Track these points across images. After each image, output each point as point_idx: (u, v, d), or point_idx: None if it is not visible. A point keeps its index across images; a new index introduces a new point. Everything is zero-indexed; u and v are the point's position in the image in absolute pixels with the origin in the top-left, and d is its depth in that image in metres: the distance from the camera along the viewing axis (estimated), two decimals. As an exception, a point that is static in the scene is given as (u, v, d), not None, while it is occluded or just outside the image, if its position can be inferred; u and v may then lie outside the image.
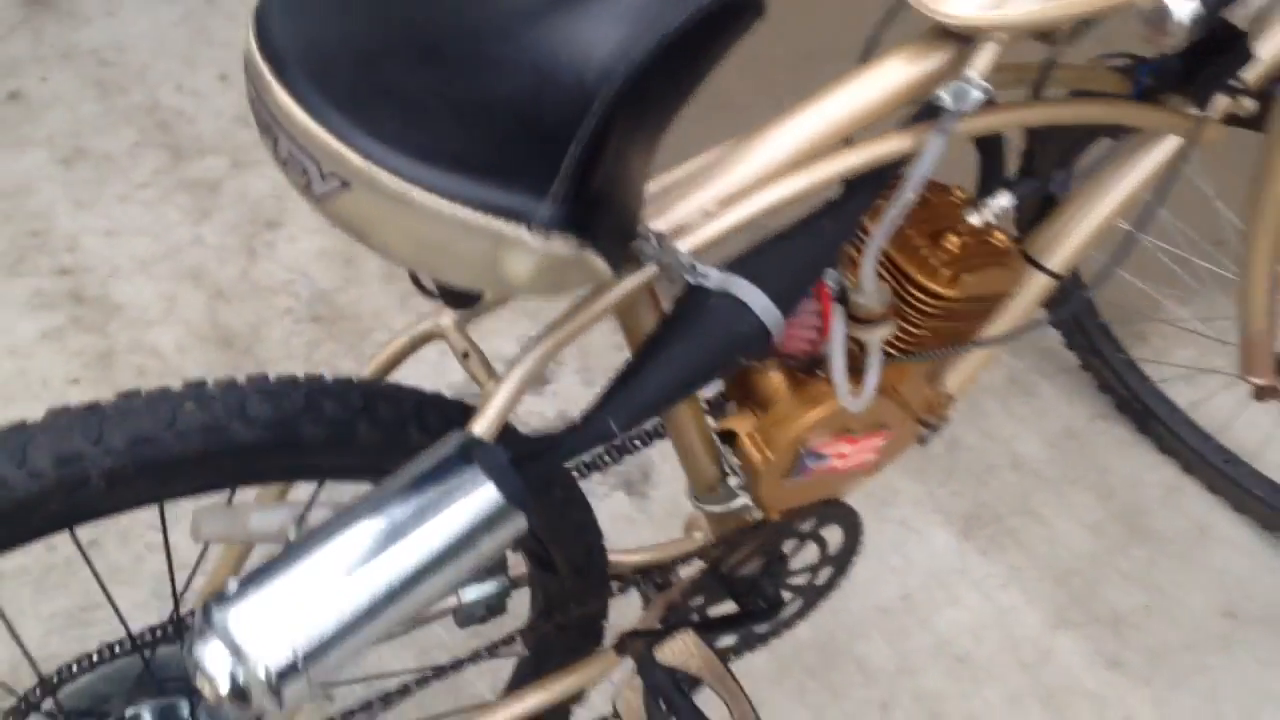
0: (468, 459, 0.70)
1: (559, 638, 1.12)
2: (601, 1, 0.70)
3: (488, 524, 0.70)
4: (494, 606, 1.05)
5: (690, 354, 0.78)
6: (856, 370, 0.95)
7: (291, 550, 0.66)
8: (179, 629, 0.91)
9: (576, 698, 1.18)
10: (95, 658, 0.91)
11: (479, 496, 0.69)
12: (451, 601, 1.02)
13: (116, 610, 0.87)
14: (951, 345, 1.01)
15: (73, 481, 0.72)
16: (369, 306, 1.72)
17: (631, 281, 0.79)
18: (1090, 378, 1.79)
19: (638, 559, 1.15)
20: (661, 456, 1.62)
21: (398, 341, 0.90)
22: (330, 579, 0.66)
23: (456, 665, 1.06)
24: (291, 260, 1.76)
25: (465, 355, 0.88)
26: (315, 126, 0.62)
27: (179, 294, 1.70)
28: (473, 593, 1.03)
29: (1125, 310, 1.79)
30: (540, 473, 0.73)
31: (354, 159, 0.62)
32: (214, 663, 0.63)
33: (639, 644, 1.04)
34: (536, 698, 1.09)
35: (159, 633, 0.91)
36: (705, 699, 1.03)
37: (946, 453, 1.73)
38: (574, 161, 0.64)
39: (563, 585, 1.05)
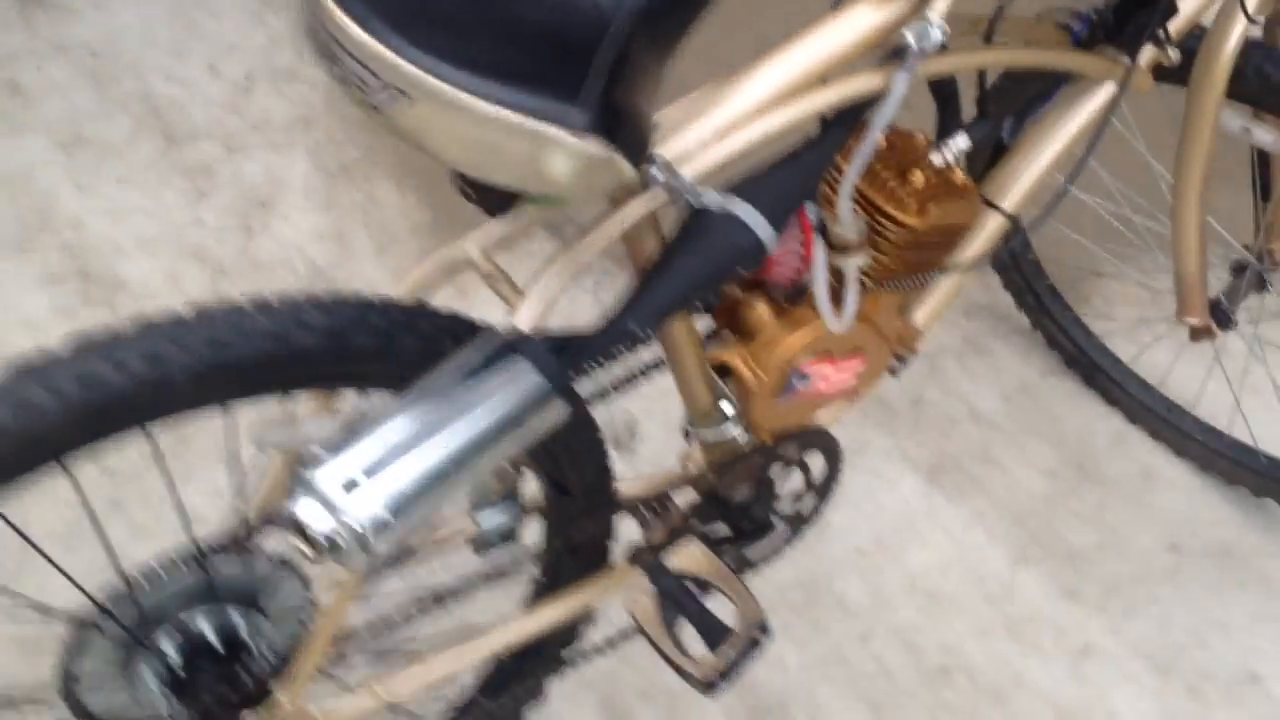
0: (514, 350, 0.80)
1: (571, 559, 1.22)
2: None
3: (533, 407, 0.79)
4: (507, 534, 1.14)
5: (698, 265, 0.89)
6: (836, 300, 1.06)
7: (366, 421, 0.76)
8: (238, 542, 0.99)
9: (586, 618, 1.28)
10: (161, 570, 0.99)
11: (525, 382, 0.79)
12: (470, 530, 1.12)
13: (185, 518, 0.96)
14: (918, 274, 1.12)
15: (158, 379, 0.81)
16: (363, 280, 1.81)
17: (642, 202, 0.90)
18: (1040, 336, 1.92)
19: (637, 487, 1.25)
20: (647, 415, 1.71)
21: (427, 266, 0.99)
22: (403, 446, 0.75)
23: (478, 583, 1.15)
24: (288, 238, 1.85)
25: (492, 277, 0.98)
26: (376, 44, 0.72)
27: (181, 271, 1.78)
28: (489, 519, 1.13)
29: (1070, 270, 1.92)
30: (572, 364, 0.83)
31: (411, 69, 0.72)
32: (312, 518, 0.72)
33: (649, 554, 1.14)
34: (555, 610, 1.18)
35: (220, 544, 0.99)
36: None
37: (911, 408, 1.85)
38: (599, 73, 0.74)
39: (574, 506, 1.15)
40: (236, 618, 1.05)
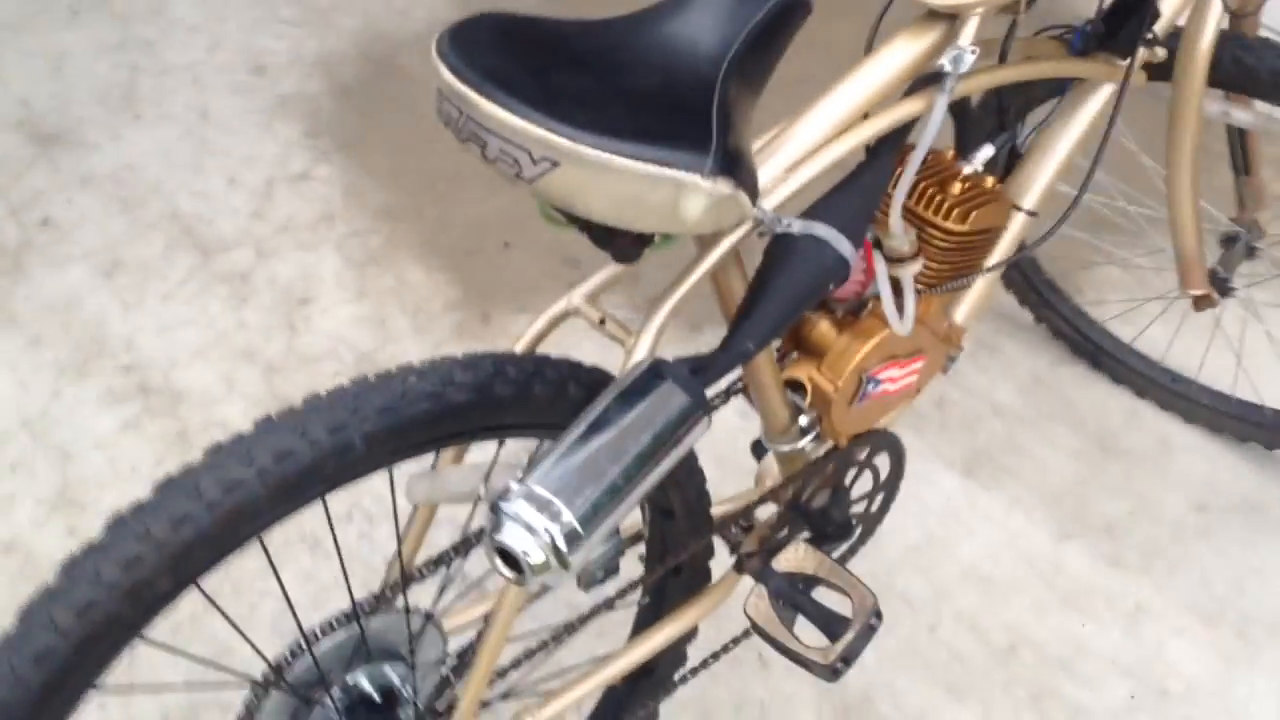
0: (660, 376, 0.90)
1: (675, 581, 1.31)
2: (692, 10, 0.93)
3: (684, 423, 0.89)
4: (610, 567, 1.23)
5: (792, 285, 1.00)
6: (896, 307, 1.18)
7: (547, 452, 0.86)
8: (386, 598, 1.08)
9: (691, 636, 1.37)
10: (318, 634, 1.08)
11: (676, 402, 0.89)
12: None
13: (348, 582, 1.04)
14: (962, 276, 1.24)
15: (342, 446, 0.90)
16: (409, 359, 1.90)
17: (736, 234, 1.01)
18: (1045, 329, 2.05)
19: (723, 509, 1.35)
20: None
21: (540, 322, 1.09)
22: (582, 469, 0.85)
23: (596, 612, 1.24)
24: (329, 329, 1.94)
25: (602, 321, 1.08)
26: (524, 123, 0.83)
27: (235, 374, 1.86)
28: (592, 554, 1.22)
29: (1066, 263, 2.05)
30: (705, 382, 0.93)
31: (562, 142, 0.82)
32: (516, 541, 0.81)
33: (755, 560, 1.24)
34: (667, 630, 1.27)
35: (372, 604, 1.08)
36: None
37: (936, 410, 1.96)
38: (717, 124, 0.86)
39: (678, 528, 1.24)
40: (389, 670, 1.14)
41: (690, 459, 1.20)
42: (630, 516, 1.22)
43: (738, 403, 1.58)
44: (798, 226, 1.00)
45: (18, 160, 2.12)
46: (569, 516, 0.83)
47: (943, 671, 1.66)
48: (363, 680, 1.12)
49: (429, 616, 1.14)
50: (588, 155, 0.82)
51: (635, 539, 1.30)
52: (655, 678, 1.39)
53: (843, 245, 1.00)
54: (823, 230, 1.00)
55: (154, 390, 1.84)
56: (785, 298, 0.99)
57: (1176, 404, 1.97)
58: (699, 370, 0.93)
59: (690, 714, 1.59)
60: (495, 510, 0.84)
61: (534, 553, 0.82)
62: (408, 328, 1.96)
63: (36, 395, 1.81)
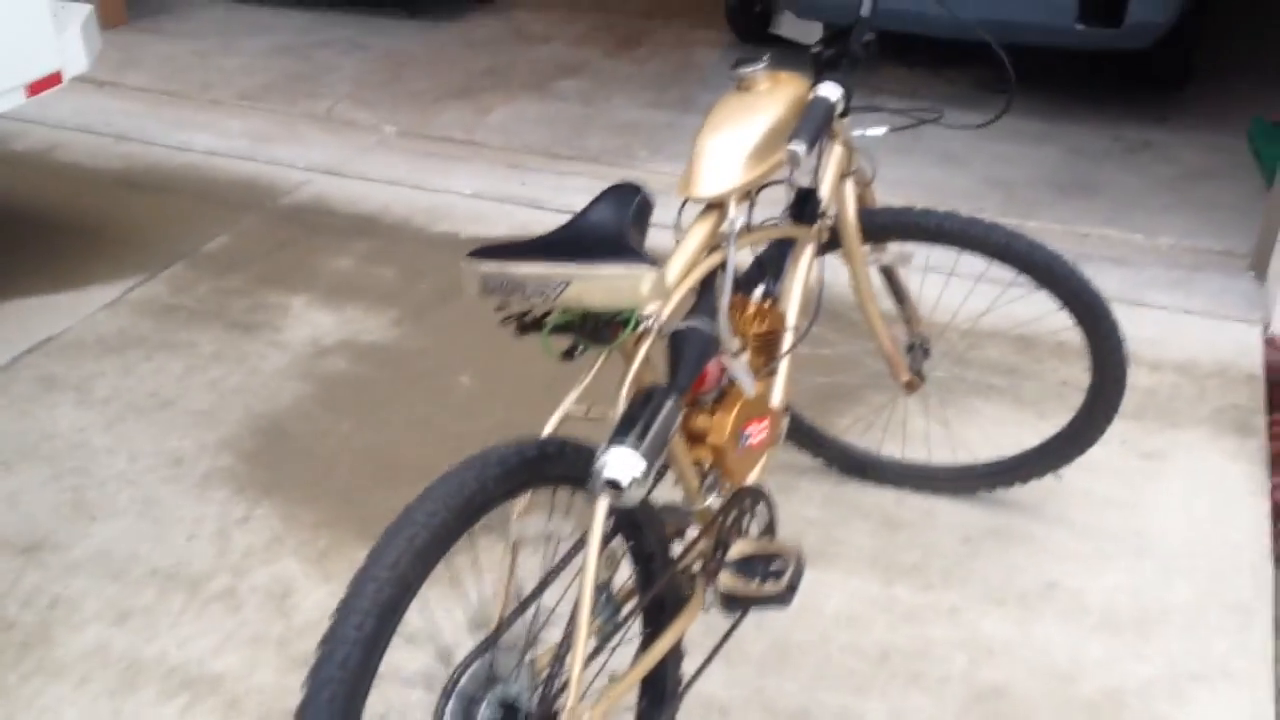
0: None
1: (661, 608, 1.93)
2: (596, 210, 1.73)
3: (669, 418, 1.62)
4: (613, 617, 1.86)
5: (694, 355, 1.75)
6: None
7: (620, 424, 1.54)
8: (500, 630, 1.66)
9: (681, 653, 1.97)
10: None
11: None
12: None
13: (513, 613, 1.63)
14: (770, 360, 2.03)
15: (494, 482, 1.54)
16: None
17: (649, 341, 1.76)
18: (821, 461, 2.85)
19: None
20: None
21: (553, 421, 1.76)
22: (638, 439, 1.54)
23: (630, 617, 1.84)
24: (316, 605, 2.46)
25: (587, 413, 1.77)
26: (546, 268, 1.57)
27: (256, 655, 2.35)
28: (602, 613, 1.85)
29: (817, 410, 2.89)
30: (653, 423, 1.66)
31: (570, 269, 1.57)
32: (619, 472, 1.48)
33: (714, 565, 1.90)
34: (670, 636, 1.89)
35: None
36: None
37: (771, 535, 2.68)
38: (639, 251, 1.64)
39: (654, 566, 1.89)
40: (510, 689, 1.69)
41: (652, 508, 1.87)
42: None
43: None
44: (687, 326, 1.77)
45: (8, 569, 2.57)
46: (644, 457, 1.52)
47: (846, 679, 2.31)
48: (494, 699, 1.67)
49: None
50: (585, 271, 1.57)
51: (630, 594, 1.93)
52: (665, 689, 1.97)
53: (712, 329, 1.78)
54: (701, 323, 1.78)
55: (196, 680, 2.29)
56: (690, 363, 1.74)
57: (922, 483, 2.79)
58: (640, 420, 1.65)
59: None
60: (602, 458, 1.51)
61: (630, 478, 1.50)
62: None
63: (100, 715, 2.22)
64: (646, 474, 1.53)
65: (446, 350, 3.41)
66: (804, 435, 2.81)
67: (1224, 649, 2.39)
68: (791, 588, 1.86)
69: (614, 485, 1.52)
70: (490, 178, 4.52)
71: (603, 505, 1.60)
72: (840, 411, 3.05)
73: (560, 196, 4.27)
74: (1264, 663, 2.37)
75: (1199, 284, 3.81)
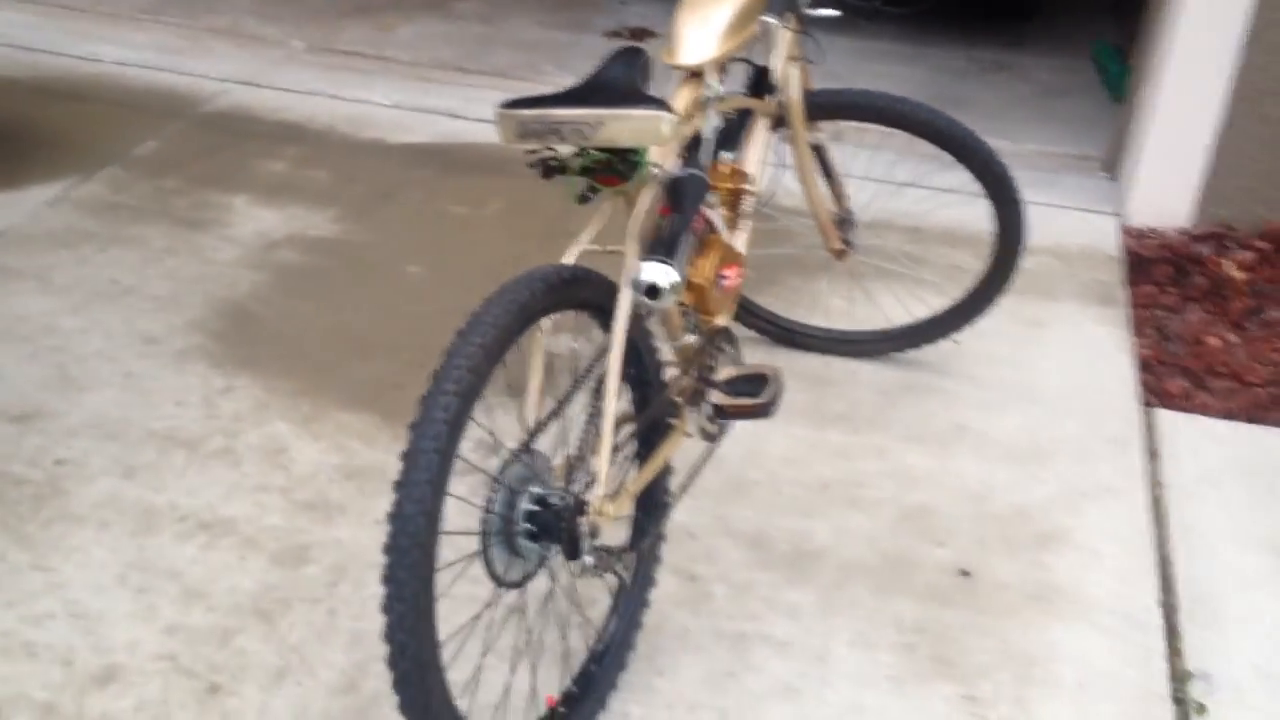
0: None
1: (654, 430, 2.22)
2: (608, 69, 1.99)
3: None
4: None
5: (695, 193, 2.04)
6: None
7: (649, 257, 1.82)
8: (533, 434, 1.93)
9: (669, 471, 2.27)
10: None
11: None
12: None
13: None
14: (737, 212, 2.33)
15: (543, 294, 1.80)
16: (378, 469, 2.67)
17: (653, 189, 2.04)
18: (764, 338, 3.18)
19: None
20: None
21: (572, 254, 2.03)
22: (665, 254, 1.82)
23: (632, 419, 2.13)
24: (310, 460, 2.68)
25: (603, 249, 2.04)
26: (581, 111, 1.83)
27: (262, 499, 2.55)
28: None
29: (760, 283, 3.22)
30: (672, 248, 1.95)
31: (604, 112, 1.83)
32: (656, 278, 1.76)
33: (701, 385, 2.20)
34: (661, 455, 2.18)
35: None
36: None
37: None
38: (656, 99, 1.91)
39: (650, 390, 2.18)
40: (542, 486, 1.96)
41: (649, 335, 2.16)
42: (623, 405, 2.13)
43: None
44: (685, 172, 2.05)
45: (7, 435, 2.70)
46: (675, 268, 1.80)
47: (794, 506, 2.65)
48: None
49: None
50: (617, 113, 1.84)
51: (628, 419, 2.21)
52: (657, 501, 2.26)
53: (703, 173, 2.06)
54: (697, 170, 2.06)
55: (211, 524, 2.49)
56: (692, 201, 2.03)
57: (847, 349, 3.15)
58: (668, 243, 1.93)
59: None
60: (639, 268, 1.79)
61: (664, 284, 1.78)
62: (363, 448, 2.74)
63: (126, 552, 2.41)
64: (678, 283, 1.81)
65: (391, 244, 3.61)
66: (740, 308, 3.13)
67: (1107, 471, 2.82)
68: (774, 400, 2.18)
69: (653, 290, 1.80)
70: (405, 90, 4.68)
71: (626, 301, 1.87)
72: (767, 290, 3.39)
73: (473, 107, 4.47)
74: (1140, 480, 2.80)
75: (1061, 183, 4.27)
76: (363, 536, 2.49)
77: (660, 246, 1.88)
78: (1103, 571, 2.54)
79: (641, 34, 5.46)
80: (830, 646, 2.31)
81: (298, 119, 4.37)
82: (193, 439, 2.74)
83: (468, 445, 1.86)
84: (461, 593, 2.07)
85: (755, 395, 2.20)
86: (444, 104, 4.56)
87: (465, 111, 4.47)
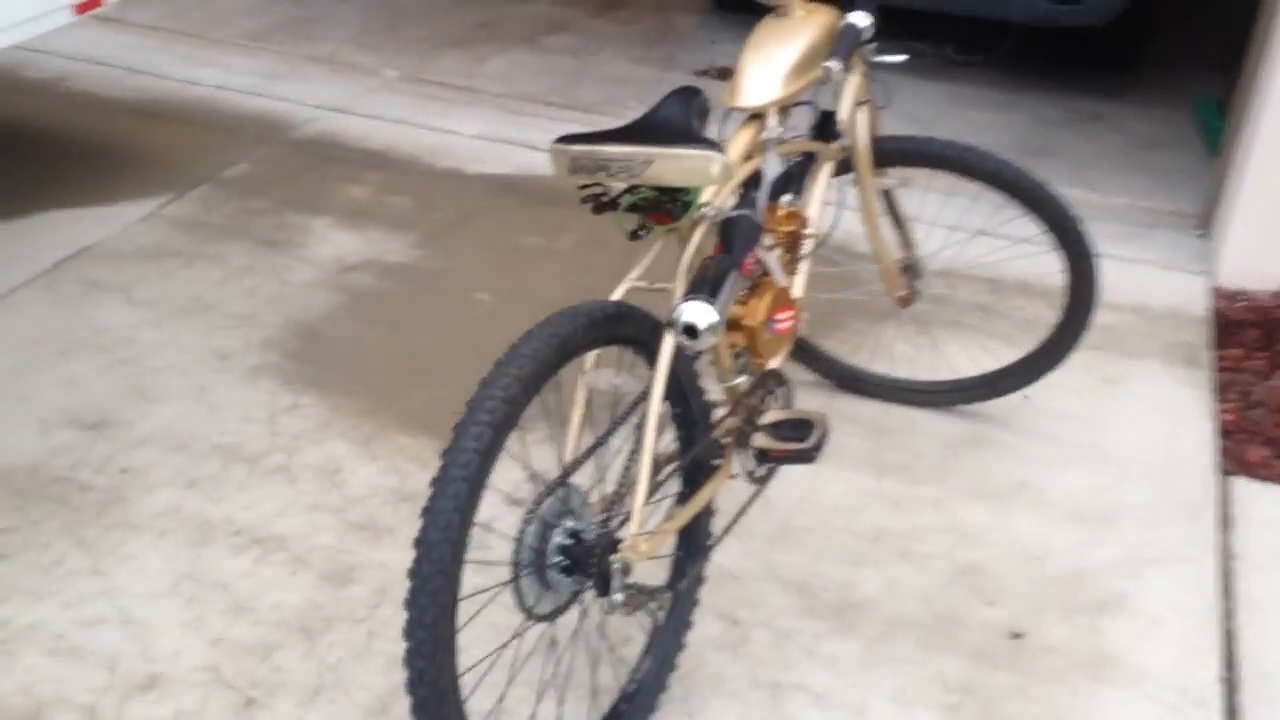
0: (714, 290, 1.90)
1: (696, 471, 2.21)
2: (663, 109, 2.00)
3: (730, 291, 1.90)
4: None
5: (744, 236, 2.02)
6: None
7: (688, 298, 1.81)
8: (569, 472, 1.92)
9: (712, 511, 2.25)
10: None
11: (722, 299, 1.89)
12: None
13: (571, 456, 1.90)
14: (795, 257, 2.32)
15: (575, 335, 1.80)
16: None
17: (703, 228, 2.03)
18: (828, 383, 3.15)
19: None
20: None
21: (621, 290, 2.03)
22: (709, 294, 1.81)
23: (674, 469, 2.12)
24: (363, 481, 2.71)
25: (652, 286, 2.04)
26: (631, 148, 1.83)
27: (315, 519, 2.59)
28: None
29: (824, 326, 3.19)
30: (717, 289, 1.93)
31: (652, 150, 1.83)
32: (696, 318, 1.75)
33: (747, 427, 2.18)
34: (704, 495, 2.16)
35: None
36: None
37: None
38: (707, 141, 1.91)
39: (695, 429, 2.17)
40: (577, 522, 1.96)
41: (698, 386, 2.14)
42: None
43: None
44: (738, 212, 2.05)
45: (78, 441, 2.79)
46: (715, 315, 1.80)
47: (844, 555, 2.60)
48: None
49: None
50: (665, 152, 1.84)
51: (672, 457, 2.20)
52: (698, 542, 2.24)
53: (756, 216, 2.05)
54: (750, 211, 2.05)
55: (264, 539, 2.53)
56: (742, 241, 2.01)
57: (914, 399, 3.10)
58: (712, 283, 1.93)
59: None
60: (678, 310, 1.78)
61: (704, 326, 1.77)
62: (418, 471, 2.77)
63: (180, 563, 2.46)
64: (717, 324, 1.80)
65: (464, 271, 3.65)
66: (801, 351, 3.10)
67: (1175, 538, 2.73)
68: (818, 446, 2.15)
69: (690, 330, 1.80)
70: (489, 121, 4.75)
71: (670, 340, 1.87)
72: (835, 329, 3.36)
73: (558, 141, 4.51)
74: (1210, 550, 2.70)
75: (1151, 239, 4.15)
76: (408, 560, 2.48)
77: (704, 286, 1.87)
78: (1162, 641, 2.45)
79: (728, 74, 5.46)
80: (869, 701, 2.26)
81: (382, 146, 4.45)
82: (254, 455, 2.79)
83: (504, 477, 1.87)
84: (496, 620, 2.08)
85: (800, 440, 2.17)
86: (526, 136, 4.61)
87: (543, 144, 4.50)
